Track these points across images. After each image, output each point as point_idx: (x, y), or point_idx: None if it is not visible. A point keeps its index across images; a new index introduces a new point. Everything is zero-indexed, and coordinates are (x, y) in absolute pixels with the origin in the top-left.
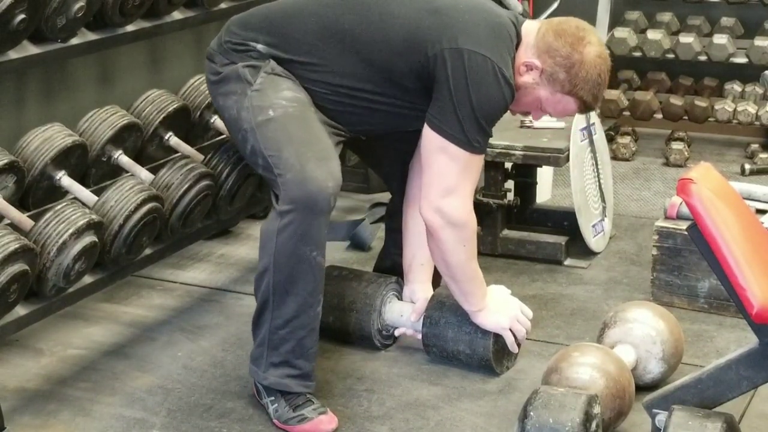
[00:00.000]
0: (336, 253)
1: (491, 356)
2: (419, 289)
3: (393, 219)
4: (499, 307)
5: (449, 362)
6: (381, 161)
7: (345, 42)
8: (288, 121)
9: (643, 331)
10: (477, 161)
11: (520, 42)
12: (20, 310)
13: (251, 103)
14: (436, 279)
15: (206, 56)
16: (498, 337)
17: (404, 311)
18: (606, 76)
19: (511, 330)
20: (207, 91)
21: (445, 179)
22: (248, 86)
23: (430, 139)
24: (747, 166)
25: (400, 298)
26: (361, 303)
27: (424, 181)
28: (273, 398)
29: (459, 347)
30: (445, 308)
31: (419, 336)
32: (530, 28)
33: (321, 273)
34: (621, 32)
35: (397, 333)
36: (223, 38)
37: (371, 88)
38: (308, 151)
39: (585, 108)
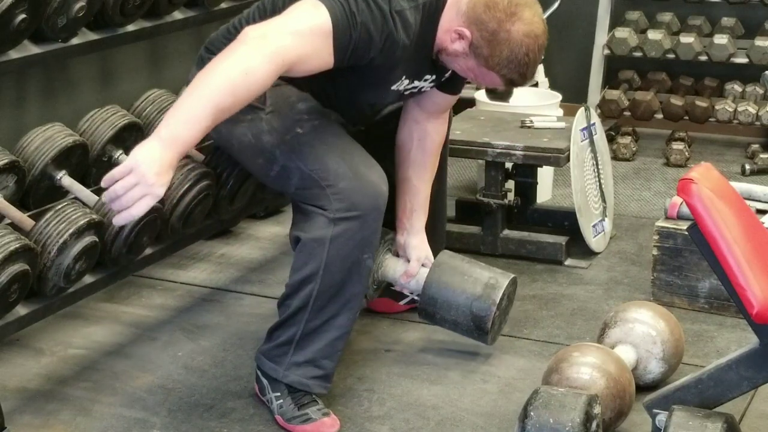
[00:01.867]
0: None
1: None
2: (412, 243)
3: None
4: (154, 164)
5: (440, 330)
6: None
7: None
8: (319, 134)
9: (643, 331)
10: (323, 32)
11: (444, 3)
12: (21, 310)
13: (271, 126)
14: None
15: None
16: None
17: (398, 269)
18: (535, 55)
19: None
20: None
21: (287, 20)
22: (260, 111)
23: None
24: (747, 166)
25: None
26: None
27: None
28: (279, 394)
29: (458, 317)
30: (443, 278)
31: (409, 293)
32: None
33: (368, 275)
34: (621, 32)
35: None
36: (199, 66)
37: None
38: (353, 158)
39: (511, 84)
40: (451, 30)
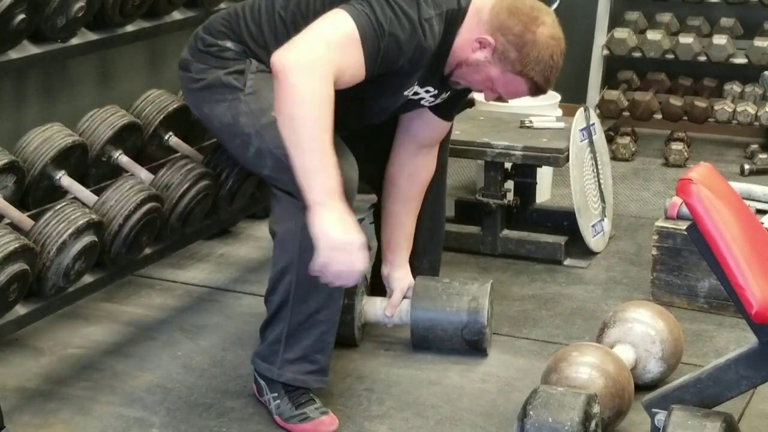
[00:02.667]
0: None
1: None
2: (396, 275)
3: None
4: (344, 222)
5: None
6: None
7: (287, 19)
8: None
9: (642, 331)
10: (353, 42)
11: (465, 14)
12: (20, 310)
13: (249, 108)
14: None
15: (179, 67)
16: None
17: (378, 307)
18: (559, 59)
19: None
20: None
21: (316, 34)
22: (240, 92)
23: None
24: (746, 167)
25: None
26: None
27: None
28: (276, 394)
29: (452, 345)
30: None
31: (391, 324)
32: (484, 2)
33: None
34: (620, 33)
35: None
36: (193, 45)
37: None
38: None
39: (536, 90)
40: (472, 39)
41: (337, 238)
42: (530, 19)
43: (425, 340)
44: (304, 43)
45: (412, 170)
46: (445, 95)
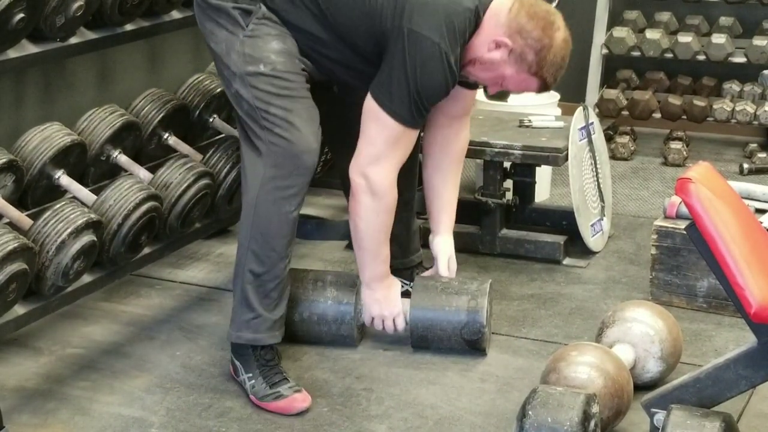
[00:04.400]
0: (335, 252)
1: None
2: (435, 241)
3: None
4: (385, 298)
5: (437, 351)
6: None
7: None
8: (277, 77)
9: (641, 331)
10: (408, 135)
11: (480, 25)
12: (19, 309)
13: (243, 49)
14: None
15: None
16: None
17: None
18: (566, 61)
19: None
20: (206, 91)
21: (374, 146)
22: (240, 29)
23: (368, 104)
24: (745, 166)
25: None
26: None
27: (358, 145)
28: (251, 374)
29: (451, 344)
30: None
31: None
32: (501, 4)
33: (295, 227)
34: (619, 32)
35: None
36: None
37: (329, 42)
38: (294, 111)
39: (545, 88)
40: (489, 40)
41: (377, 313)
42: (548, 24)
43: (424, 339)
44: (371, 165)
45: (444, 140)
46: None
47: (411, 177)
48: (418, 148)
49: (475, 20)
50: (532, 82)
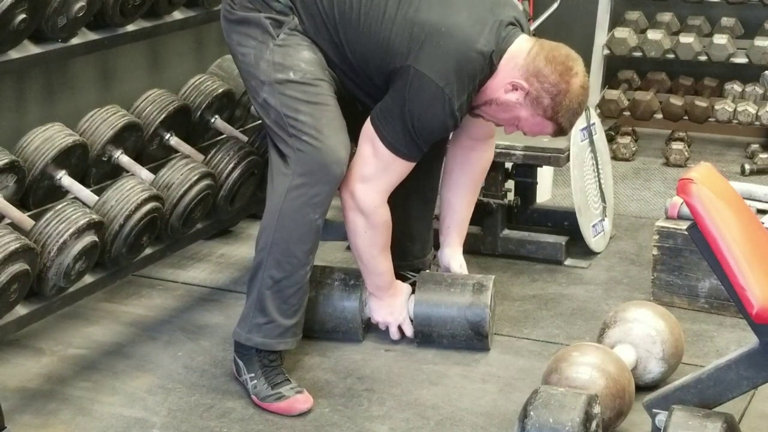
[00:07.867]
0: (336, 253)
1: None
2: (444, 253)
3: None
4: (389, 305)
5: (441, 346)
6: None
7: (335, 20)
8: (306, 84)
9: (643, 331)
10: (400, 164)
11: (495, 68)
12: (21, 310)
13: (273, 58)
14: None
15: None
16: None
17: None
18: (584, 106)
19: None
20: (207, 91)
21: (365, 167)
22: (271, 39)
23: (367, 127)
24: (747, 166)
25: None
26: (346, 327)
27: (352, 161)
28: (253, 375)
29: (454, 329)
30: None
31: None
32: (521, 47)
33: (318, 235)
34: (621, 32)
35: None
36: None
37: (347, 70)
38: (322, 117)
39: (560, 132)
40: (506, 82)
41: (381, 319)
42: (566, 69)
43: (427, 321)
44: (359, 183)
45: (465, 161)
46: None
47: (434, 178)
48: (444, 150)
49: (489, 65)
50: (548, 125)
